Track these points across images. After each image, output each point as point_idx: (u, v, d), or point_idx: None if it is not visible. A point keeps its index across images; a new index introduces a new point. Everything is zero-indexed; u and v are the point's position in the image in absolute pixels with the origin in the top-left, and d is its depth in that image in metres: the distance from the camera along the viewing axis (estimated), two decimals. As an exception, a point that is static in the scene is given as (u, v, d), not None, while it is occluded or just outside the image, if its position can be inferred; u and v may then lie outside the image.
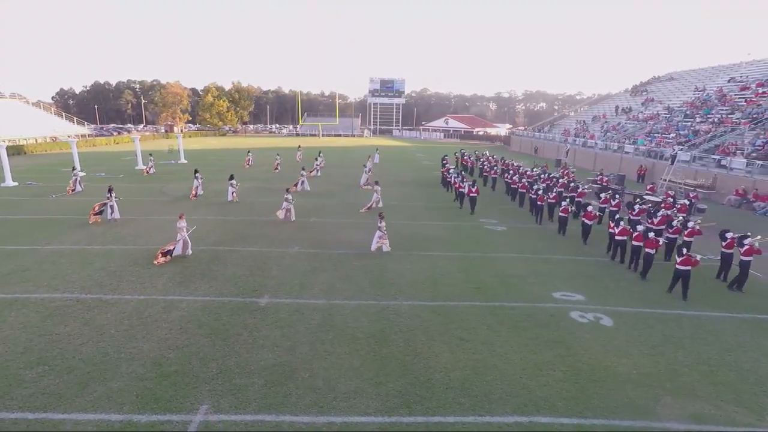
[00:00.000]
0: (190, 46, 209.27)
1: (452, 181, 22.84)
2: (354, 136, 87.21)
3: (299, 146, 45.51)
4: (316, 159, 32.43)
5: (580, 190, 19.90)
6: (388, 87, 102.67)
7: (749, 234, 11.70)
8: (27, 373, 7.21)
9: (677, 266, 10.68)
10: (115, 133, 75.53)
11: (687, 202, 17.10)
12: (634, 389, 6.96)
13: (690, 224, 13.46)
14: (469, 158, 36.14)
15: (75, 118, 66.27)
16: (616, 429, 6.12)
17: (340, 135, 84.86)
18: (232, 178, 21.28)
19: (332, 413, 6.33)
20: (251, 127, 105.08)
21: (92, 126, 78.42)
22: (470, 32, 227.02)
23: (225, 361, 7.63)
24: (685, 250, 10.66)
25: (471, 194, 19.44)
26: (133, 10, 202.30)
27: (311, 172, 29.41)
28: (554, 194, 18.80)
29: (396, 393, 6.79)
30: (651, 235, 12.36)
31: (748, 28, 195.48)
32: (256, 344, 8.21)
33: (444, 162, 30.51)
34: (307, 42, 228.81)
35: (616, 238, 13.41)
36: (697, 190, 23.29)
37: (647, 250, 11.90)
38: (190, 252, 13.19)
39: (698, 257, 10.85)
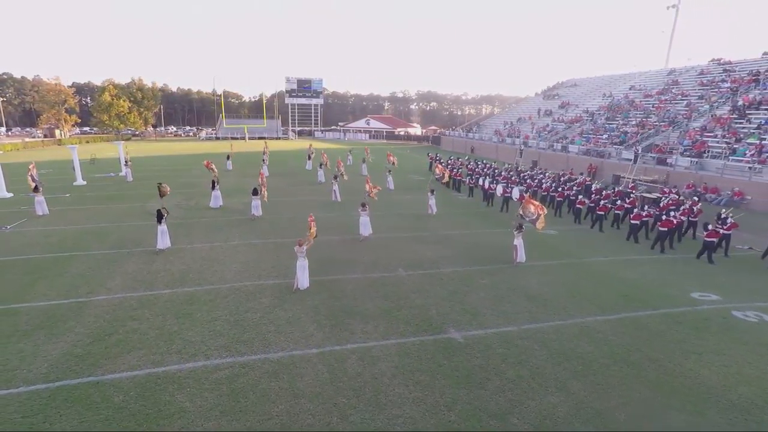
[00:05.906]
0: (44, 35, 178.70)
1: (487, 187, 23.15)
2: (279, 138, 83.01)
3: (310, 144, 44.42)
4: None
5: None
6: (305, 87, 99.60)
7: None
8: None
9: (705, 239, 14.65)
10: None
11: (697, 198, 19.86)
12: None
13: (729, 220, 15.73)
14: (447, 161, 36.90)
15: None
16: None
17: (264, 137, 79.92)
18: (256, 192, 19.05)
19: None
20: (150, 129, 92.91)
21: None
22: (363, 30, 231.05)
23: (520, 411, 6.86)
24: (710, 226, 14.71)
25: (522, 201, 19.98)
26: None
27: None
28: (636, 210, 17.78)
29: (727, 427, 6.77)
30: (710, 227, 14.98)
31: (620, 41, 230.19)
32: (520, 388, 7.50)
33: (443, 162, 32.14)
34: (188, 37, 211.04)
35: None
36: (636, 183, 27.02)
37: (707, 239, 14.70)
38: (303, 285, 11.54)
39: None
